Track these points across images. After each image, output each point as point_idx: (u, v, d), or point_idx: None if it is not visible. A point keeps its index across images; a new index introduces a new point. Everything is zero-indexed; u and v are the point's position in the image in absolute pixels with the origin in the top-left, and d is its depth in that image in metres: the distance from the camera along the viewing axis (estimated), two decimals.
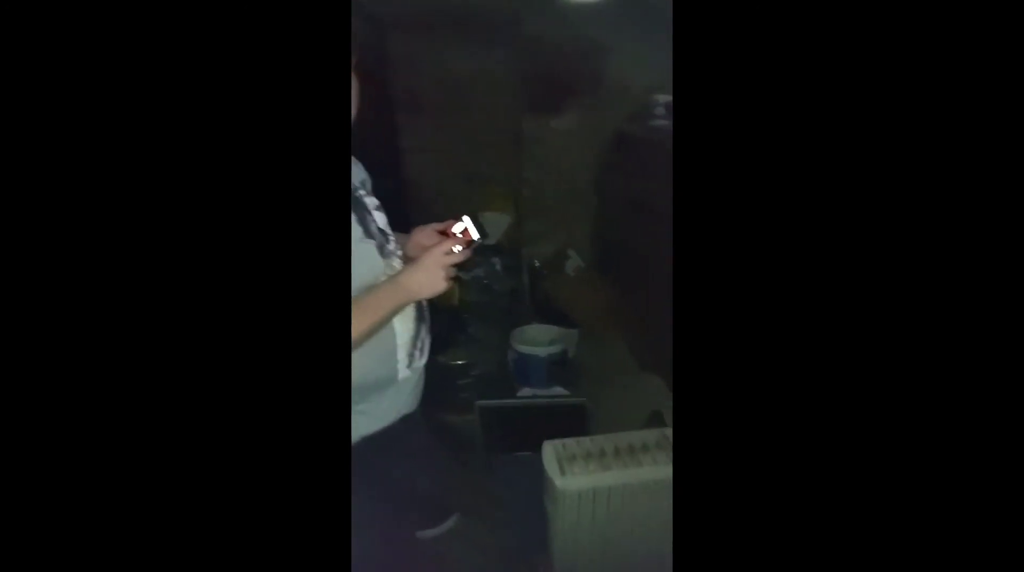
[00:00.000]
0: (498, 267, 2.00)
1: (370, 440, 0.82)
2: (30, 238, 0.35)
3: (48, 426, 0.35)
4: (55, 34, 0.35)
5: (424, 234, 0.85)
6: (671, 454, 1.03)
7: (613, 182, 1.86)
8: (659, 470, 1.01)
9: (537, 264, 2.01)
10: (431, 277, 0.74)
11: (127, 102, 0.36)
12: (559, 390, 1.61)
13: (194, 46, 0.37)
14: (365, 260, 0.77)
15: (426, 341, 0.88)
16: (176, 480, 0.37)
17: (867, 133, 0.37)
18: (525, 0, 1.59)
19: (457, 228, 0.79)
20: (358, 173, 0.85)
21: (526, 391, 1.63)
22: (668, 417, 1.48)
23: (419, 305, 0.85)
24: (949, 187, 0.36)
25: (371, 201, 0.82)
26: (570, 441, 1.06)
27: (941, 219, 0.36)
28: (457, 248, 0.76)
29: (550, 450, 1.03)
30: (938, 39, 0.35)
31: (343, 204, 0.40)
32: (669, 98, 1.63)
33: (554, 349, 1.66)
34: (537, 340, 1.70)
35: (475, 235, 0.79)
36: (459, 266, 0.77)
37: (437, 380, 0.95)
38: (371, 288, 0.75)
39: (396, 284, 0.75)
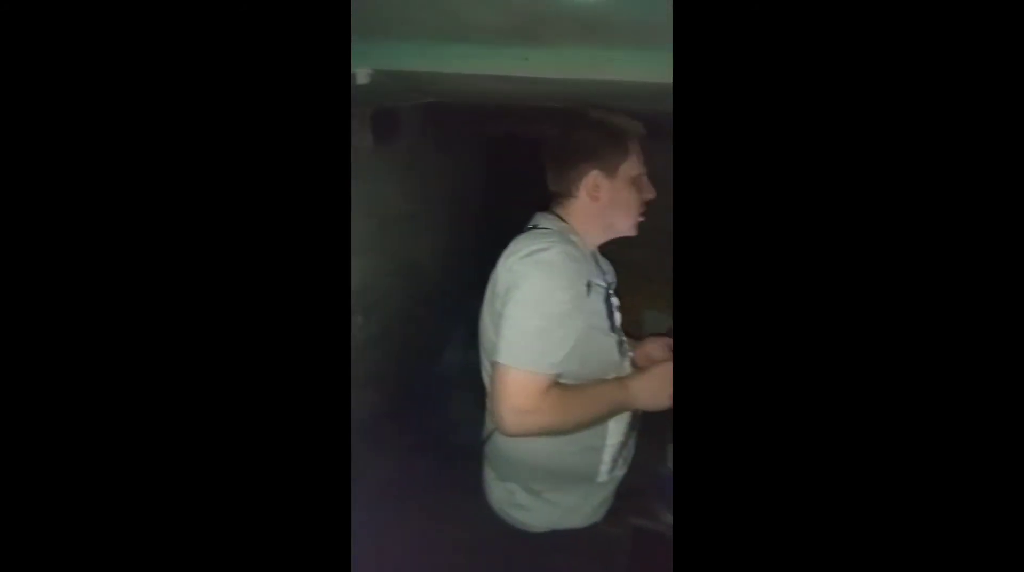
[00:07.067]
0: None
1: (559, 535, 0.82)
2: (32, 241, 0.36)
3: (48, 424, 0.36)
4: (55, 58, 0.36)
5: (656, 345, 0.85)
6: None
7: None
8: None
9: None
10: (660, 390, 0.74)
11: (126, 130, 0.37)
12: None
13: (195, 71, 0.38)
14: (605, 352, 0.78)
15: (631, 451, 0.87)
16: (175, 482, 0.38)
17: (866, 141, 0.36)
18: None
19: None
20: (609, 272, 0.88)
21: None
22: None
23: (634, 414, 0.84)
24: (939, 205, 0.35)
25: (615, 301, 0.84)
26: None
27: (928, 240, 0.35)
28: None
29: None
30: (933, 50, 0.35)
31: (343, 216, 0.43)
32: None
33: None
34: None
35: None
36: None
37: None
38: (601, 381, 0.76)
39: (624, 386, 0.75)
